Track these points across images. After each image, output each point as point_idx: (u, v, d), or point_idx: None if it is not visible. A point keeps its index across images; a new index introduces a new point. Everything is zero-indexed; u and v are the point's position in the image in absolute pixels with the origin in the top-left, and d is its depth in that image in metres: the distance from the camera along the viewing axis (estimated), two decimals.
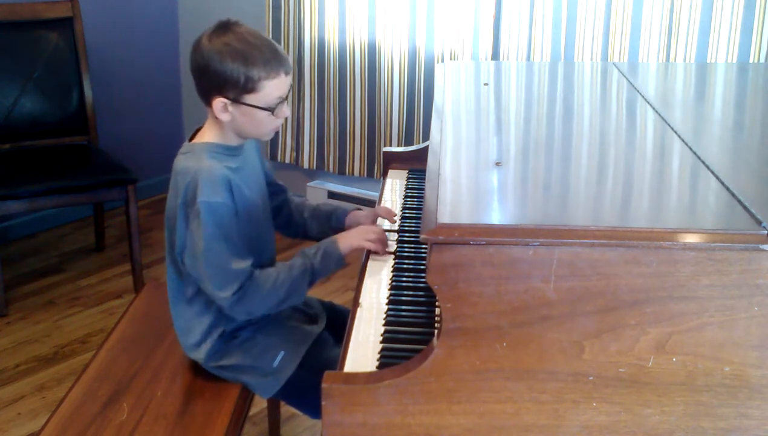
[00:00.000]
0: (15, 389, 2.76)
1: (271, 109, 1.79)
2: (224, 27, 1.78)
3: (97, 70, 3.74)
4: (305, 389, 1.87)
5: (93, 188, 3.27)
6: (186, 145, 1.87)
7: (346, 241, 1.86)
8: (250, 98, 1.76)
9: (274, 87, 1.77)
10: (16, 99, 3.45)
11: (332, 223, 2.08)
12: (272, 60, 1.76)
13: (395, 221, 2.06)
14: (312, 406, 1.85)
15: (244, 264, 1.78)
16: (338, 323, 1.99)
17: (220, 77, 1.75)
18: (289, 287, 1.81)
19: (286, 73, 1.79)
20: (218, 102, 1.77)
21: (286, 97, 1.82)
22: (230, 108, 1.78)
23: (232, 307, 1.79)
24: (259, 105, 1.77)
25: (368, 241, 1.88)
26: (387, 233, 1.96)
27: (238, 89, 1.75)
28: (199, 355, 1.91)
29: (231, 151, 1.85)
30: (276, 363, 1.88)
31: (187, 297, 1.89)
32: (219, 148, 1.83)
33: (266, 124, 1.82)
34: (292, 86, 1.85)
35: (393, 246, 1.95)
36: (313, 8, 3.73)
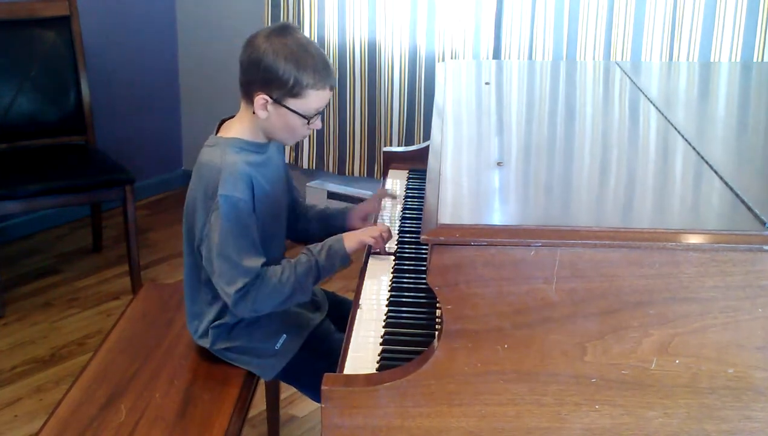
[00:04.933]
0: (12, 391, 2.74)
1: (307, 119, 1.82)
2: (284, 29, 1.82)
3: (95, 70, 3.72)
4: (307, 372, 1.91)
5: (90, 188, 3.26)
6: (212, 138, 1.90)
7: (351, 239, 1.87)
8: (292, 103, 1.80)
9: (317, 98, 1.81)
10: (12, 98, 3.43)
11: (338, 222, 2.10)
12: (323, 71, 1.80)
13: (395, 197, 2.12)
14: (313, 388, 1.86)
15: (255, 263, 1.80)
16: (340, 313, 2.03)
17: (270, 73, 1.77)
18: (293, 284, 1.82)
19: (331, 88, 1.84)
20: (260, 98, 1.80)
21: (322, 111, 1.85)
22: (270, 107, 1.81)
23: (237, 303, 1.81)
24: (299, 111, 1.81)
25: (371, 236, 1.88)
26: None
27: (283, 90, 1.78)
28: (206, 339, 1.95)
29: (256, 148, 1.88)
30: (278, 346, 1.94)
31: (201, 287, 1.93)
32: (245, 144, 1.86)
33: (297, 132, 1.86)
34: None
35: (393, 247, 1.94)
36: (313, 6, 3.71)
